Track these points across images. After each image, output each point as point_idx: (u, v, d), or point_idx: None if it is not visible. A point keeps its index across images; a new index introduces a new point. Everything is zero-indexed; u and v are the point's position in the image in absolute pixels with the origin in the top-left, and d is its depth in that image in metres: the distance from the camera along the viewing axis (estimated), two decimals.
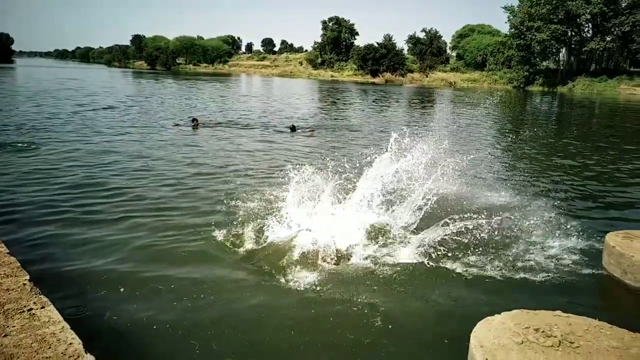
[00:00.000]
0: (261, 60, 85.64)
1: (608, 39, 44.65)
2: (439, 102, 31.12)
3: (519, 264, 4.71)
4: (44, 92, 24.52)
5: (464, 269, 4.58)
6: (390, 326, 3.62)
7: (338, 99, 29.62)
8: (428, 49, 60.06)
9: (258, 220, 5.58)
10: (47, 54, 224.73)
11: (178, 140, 11.85)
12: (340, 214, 5.45)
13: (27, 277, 3.05)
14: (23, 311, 2.66)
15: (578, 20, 45.46)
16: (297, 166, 5.79)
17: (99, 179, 7.61)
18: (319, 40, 70.69)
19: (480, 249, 5.01)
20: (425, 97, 34.25)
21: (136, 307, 3.79)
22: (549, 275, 4.50)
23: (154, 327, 3.53)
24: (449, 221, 5.04)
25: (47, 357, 2.28)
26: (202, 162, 9.28)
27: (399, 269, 4.56)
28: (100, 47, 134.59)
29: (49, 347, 2.35)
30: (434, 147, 5.80)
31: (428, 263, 4.69)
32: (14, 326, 2.52)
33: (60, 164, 8.59)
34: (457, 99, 33.95)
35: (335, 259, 4.70)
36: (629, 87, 42.32)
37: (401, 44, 64.10)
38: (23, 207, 6.07)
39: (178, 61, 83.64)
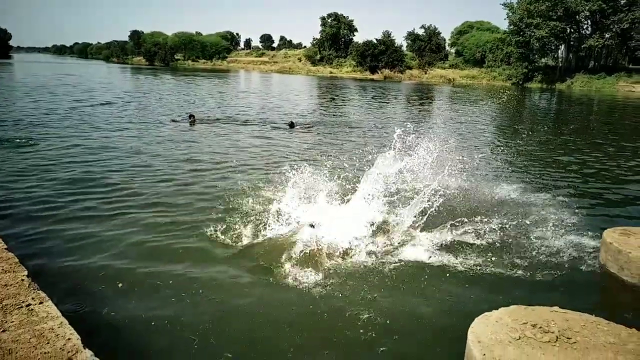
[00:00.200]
0: (260, 57, 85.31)
1: (607, 36, 44.68)
2: (438, 99, 31.08)
3: (517, 261, 4.73)
4: (42, 88, 24.39)
5: (463, 266, 4.60)
6: (388, 322, 3.63)
7: (337, 96, 29.55)
8: (427, 45, 59.86)
9: (257, 217, 5.59)
10: (45, 50, 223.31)
11: (176, 136, 11.82)
12: (340, 211, 5.46)
13: (26, 272, 3.05)
14: (21, 306, 2.66)
15: (577, 17, 45.40)
16: (296, 163, 5.78)
17: (96, 175, 7.60)
18: (318, 36, 70.50)
19: (479, 246, 5.05)
20: (424, 94, 34.20)
21: (134, 303, 3.80)
22: (546, 272, 4.53)
23: (152, 322, 3.54)
24: (448, 219, 5.06)
25: (45, 353, 2.28)
26: (200, 159, 9.27)
27: (397, 265, 4.58)
28: (99, 43, 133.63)
29: (48, 343, 2.36)
30: (439, 146, 5.79)
31: (426, 259, 4.71)
32: (13, 321, 2.52)
33: (58, 159, 8.57)
34: (455, 95, 33.92)
35: (334, 255, 4.70)
36: (628, 84, 42.35)
37: (400, 40, 64.04)
38: (21, 203, 6.07)
39: (176, 57, 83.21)
